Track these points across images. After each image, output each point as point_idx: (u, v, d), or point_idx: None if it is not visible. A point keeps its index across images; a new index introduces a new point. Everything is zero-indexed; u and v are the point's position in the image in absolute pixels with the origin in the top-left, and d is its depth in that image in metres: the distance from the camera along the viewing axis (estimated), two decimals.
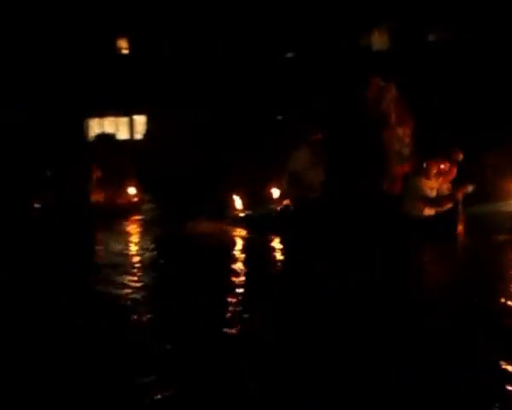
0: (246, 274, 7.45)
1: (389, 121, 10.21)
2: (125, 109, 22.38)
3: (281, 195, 11.27)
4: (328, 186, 10.46)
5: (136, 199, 13.78)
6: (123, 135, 22.91)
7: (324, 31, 19.88)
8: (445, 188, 9.48)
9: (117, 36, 22.84)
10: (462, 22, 16.62)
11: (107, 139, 22.06)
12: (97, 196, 13.65)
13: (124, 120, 23.11)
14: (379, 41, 20.20)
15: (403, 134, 10.26)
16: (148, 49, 21.87)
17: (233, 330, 5.13)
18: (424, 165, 9.41)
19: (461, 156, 9.51)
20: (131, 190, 13.80)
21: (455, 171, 9.52)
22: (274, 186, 11.48)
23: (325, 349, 4.60)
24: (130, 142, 22.55)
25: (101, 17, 21.90)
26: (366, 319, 5.38)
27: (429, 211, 9.32)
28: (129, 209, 13.31)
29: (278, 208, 11.16)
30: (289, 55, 21.35)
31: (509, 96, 14.53)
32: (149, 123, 22.06)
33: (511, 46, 15.28)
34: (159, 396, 3.88)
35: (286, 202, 11.23)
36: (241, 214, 11.38)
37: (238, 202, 11.52)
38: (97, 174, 14.13)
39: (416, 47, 18.61)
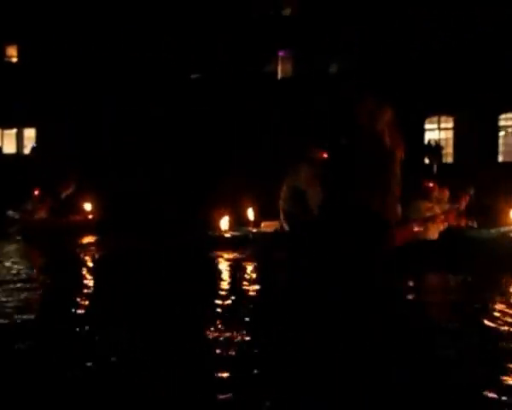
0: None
1: (384, 144, 10.55)
2: (13, 121, 20.55)
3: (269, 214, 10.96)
4: (327, 207, 10.41)
5: (91, 216, 12.77)
6: (9, 149, 20.99)
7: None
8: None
9: (5, 43, 20.95)
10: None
11: None
12: (41, 213, 12.46)
13: (11, 133, 21.17)
14: (284, 68, 20.90)
15: (400, 156, 10.63)
16: (39, 56, 20.34)
17: (232, 333, 5.00)
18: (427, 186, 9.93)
19: (472, 191, 10.18)
20: (87, 206, 12.72)
21: (464, 203, 10.09)
22: (251, 207, 11.07)
23: (325, 350, 4.52)
24: (19, 156, 20.72)
25: None
26: (366, 320, 5.40)
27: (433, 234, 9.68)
28: (83, 227, 12.24)
29: (254, 230, 10.80)
30: (194, 76, 21.30)
31: None
32: (41, 136, 20.43)
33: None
34: None
35: (267, 224, 10.88)
36: (227, 235, 10.91)
37: (224, 222, 11.04)
38: (37, 191, 12.97)
39: (320, 74, 19.48)
